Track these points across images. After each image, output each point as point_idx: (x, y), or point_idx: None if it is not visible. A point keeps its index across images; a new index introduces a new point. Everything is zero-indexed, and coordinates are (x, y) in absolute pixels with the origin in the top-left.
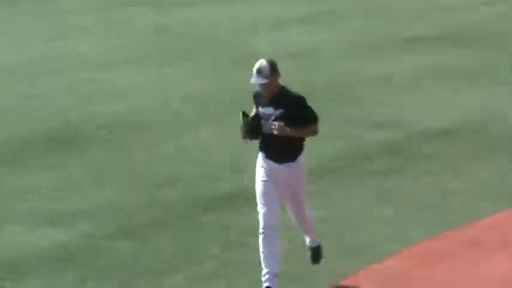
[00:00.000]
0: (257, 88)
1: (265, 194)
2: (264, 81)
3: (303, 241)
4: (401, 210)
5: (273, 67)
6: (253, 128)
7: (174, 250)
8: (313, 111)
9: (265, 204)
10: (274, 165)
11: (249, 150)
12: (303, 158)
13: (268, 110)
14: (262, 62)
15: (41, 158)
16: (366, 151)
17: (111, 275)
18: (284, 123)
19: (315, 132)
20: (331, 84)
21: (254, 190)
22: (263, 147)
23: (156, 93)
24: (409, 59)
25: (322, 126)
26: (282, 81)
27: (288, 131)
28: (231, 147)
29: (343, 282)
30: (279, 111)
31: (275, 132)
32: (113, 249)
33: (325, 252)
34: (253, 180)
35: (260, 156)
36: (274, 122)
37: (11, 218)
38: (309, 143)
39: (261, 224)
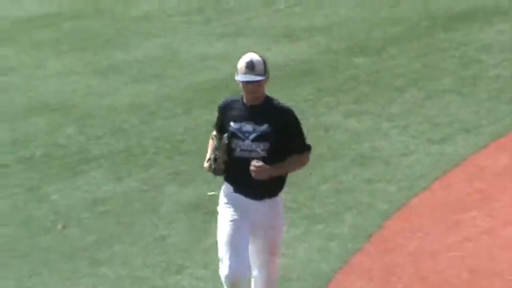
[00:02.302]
0: (228, 98)
1: (232, 240)
2: (259, 78)
3: None
4: None
5: (266, 64)
6: (224, 153)
7: (410, 66)
8: (303, 133)
9: (232, 255)
10: (248, 202)
11: None
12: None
13: (246, 126)
14: (253, 56)
15: None
16: None
17: (350, 90)
18: (268, 144)
19: (305, 164)
20: None
21: None
22: (232, 178)
23: None
24: None
25: None
26: None
27: (272, 172)
28: None
29: None
30: (262, 128)
31: (253, 175)
32: (351, 65)
33: None
34: None
35: (225, 190)
36: (253, 162)
37: (245, 32)
38: None
39: (225, 280)
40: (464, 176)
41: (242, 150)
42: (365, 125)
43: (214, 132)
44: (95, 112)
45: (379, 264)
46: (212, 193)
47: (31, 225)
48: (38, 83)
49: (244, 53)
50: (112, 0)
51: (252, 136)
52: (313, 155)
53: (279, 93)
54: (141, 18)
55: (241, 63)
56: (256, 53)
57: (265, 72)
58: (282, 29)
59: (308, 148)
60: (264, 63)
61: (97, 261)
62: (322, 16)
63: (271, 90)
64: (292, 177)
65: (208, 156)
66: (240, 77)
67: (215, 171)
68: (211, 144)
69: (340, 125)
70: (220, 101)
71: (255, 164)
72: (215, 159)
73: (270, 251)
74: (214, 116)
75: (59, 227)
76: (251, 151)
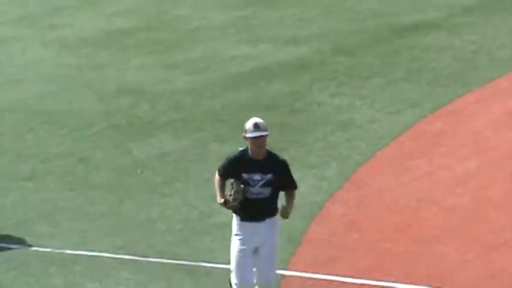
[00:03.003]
0: (233, 155)
1: (242, 263)
2: (265, 133)
3: None
4: None
5: (266, 124)
6: (241, 195)
7: (375, 62)
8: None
9: (242, 276)
10: (256, 225)
11: None
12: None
13: (256, 176)
14: (257, 119)
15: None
16: None
17: (334, 78)
18: (271, 187)
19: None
20: None
21: None
22: (242, 212)
23: None
24: None
25: None
26: None
27: (290, 210)
28: None
29: None
30: (268, 176)
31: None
32: (334, 62)
33: None
34: None
35: (236, 220)
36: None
37: (264, 40)
38: None
39: (235, 286)
40: (412, 136)
41: (252, 193)
42: (344, 102)
43: (232, 180)
44: (162, 94)
45: (354, 196)
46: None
47: (119, 170)
48: (124, 74)
49: (263, 53)
50: (173, 18)
51: (260, 183)
52: (310, 122)
53: (286, 81)
54: (193, 30)
55: (250, 125)
56: (258, 116)
57: (267, 129)
58: (288, 36)
59: (296, 186)
60: (265, 123)
61: (164, 195)
62: (316, 28)
63: (282, 78)
64: (294, 137)
65: (220, 196)
66: (250, 134)
67: (231, 208)
68: (219, 185)
69: (327, 102)
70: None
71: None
72: (234, 199)
73: (272, 255)
74: (239, 97)
75: (139, 171)
76: (259, 193)
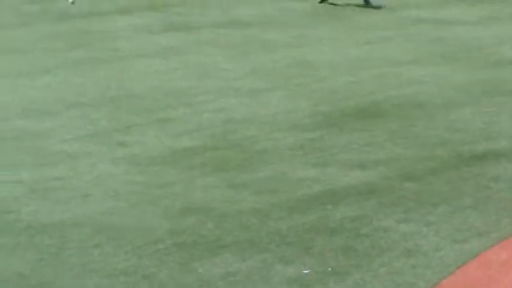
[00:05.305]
0: None
1: None
2: None
3: None
4: None
5: None
6: None
7: (443, 189)
8: None
9: None
10: None
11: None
12: None
13: None
14: None
15: (352, 124)
16: None
17: (401, 204)
18: None
19: None
20: None
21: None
22: None
23: (432, 84)
24: None
25: None
26: None
27: None
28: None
29: None
30: None
31: None
32: (401, 187)
33: None
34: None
35: None
36: None
37: (331, 163)
38: None
39: None
40: (477, 265)
41: None
42: (411, 229)
43: None
44: (228, 213)
45: None
46: None
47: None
48: (190, 192)
49: (330, 177)
50: (241, 138)
51: None
52: (375, 247)
53: (353, 205)
54: (261, 151)
55: None
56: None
57: None
58: (356, 161)
59: None
60: None
61: None
62: (384, 153)
63: (348, 202)
64: (359, 262)
65: None
66: None
67: None
68: None
69: (393, 228)
70: None
71: None
72: None
73: None
74: (306, 219)
75: None
76: None
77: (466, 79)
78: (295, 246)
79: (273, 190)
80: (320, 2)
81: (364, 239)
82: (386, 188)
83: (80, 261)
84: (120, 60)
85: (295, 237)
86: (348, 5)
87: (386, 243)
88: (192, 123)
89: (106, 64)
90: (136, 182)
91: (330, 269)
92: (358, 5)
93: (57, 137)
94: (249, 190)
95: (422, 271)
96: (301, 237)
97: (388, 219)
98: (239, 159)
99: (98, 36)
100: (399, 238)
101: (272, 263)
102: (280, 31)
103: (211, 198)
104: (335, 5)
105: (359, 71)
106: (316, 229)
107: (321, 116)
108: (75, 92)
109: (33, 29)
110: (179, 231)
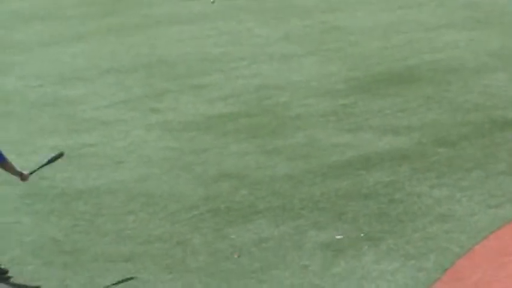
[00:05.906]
0: None
1: None
2: None
3: None
4: None
5: None
6: None
7: (476, 154)
8: None
9: None
10: None
11: None
12: None
13: None
14: None
15: (386, 89)
16: None
17: (435, 169)
18: None
19: None
20: None
21: None
22: None
23: (465, 49)
24: None
25: None
26: None
27: None
28: None
29: None
30: None
31: None
32: (434, 153)
33: None
34: None
35: None
36: None
37: (364, 128)
38: None
39: None
40: (511, 231)
41: None
42: (444, 194)
43: None
44: (261, 179)
45: None
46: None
47: (217, 255)
48: (224, 158)
49: (363, 142)
50: (274, 104)
51: None
52: (409, 213)
53: (386, 170)
54: (294, 117)
55: None
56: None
57: None
58: (389, 126)
59: None
60: None
61: (260, 281)
62: (417, 119)
63: (381, 167)
64: (392, 228)
65: None
66: None
67: None
68: None
69: (427, 193)
70: None
71: None
72: None
73: None
74: (339, 185)
75: (235, 256)
76: None
77: (500, 44)
78: (328, 212)
79: (305, 156)
80: None
81: (397, 204)
82: (420, 154)
83: (114, 227)
84: (153, 27)
85: (328, 203)
86: None
87: (419, 209)
88: (225, 89)
89: (139, 30)
90: (170, 148)
91: (363, 234)
92: None
93: (91, 104)
94: (282, 156)
95: (456, 236)
96: (334, 203)
97: (421, 185)
98: (272, 126)
99: (131, 3)
100: (432, 203)
101: (305, 229)
102: None
103: (245, 165)
104: None
105: (392, 36)
106: (349, 195)
107: (354, 82)
108: (108, 58)
109: None
110: (213, 197)
